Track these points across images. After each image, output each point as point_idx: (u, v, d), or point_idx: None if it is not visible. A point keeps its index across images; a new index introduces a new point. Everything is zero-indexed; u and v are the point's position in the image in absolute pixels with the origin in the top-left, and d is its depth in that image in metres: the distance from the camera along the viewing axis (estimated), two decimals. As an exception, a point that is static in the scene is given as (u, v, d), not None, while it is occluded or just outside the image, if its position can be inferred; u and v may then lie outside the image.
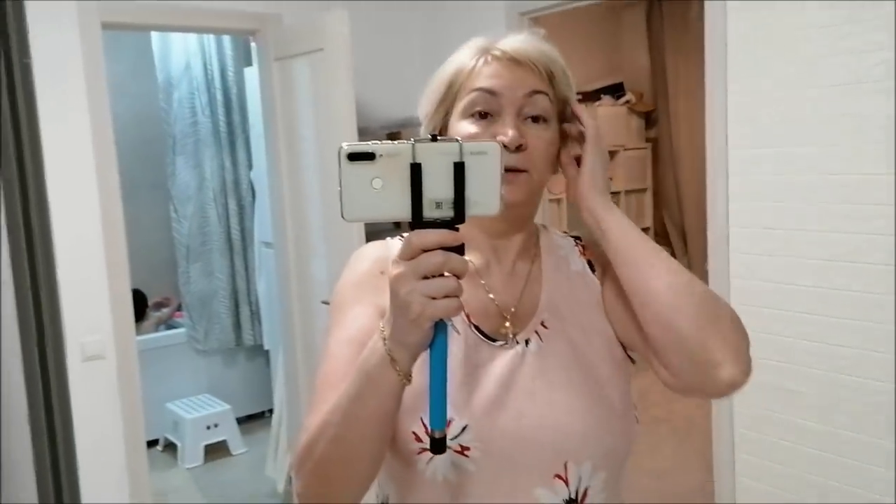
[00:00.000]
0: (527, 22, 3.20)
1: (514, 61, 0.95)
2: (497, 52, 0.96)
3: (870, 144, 2.12)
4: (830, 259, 2.23)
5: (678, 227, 5.96)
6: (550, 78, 0.97)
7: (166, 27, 3.80)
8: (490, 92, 0.94)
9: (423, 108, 1.01)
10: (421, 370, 0.81)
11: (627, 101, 5.79)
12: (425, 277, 0.75)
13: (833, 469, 2.26)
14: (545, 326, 0.98)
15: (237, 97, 4.45)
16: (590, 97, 5.37)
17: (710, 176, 2.53)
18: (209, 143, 4.38)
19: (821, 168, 2.23)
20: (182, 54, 4.31)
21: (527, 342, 0.97)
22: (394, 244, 1.04)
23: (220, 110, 4.40)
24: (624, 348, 1.02)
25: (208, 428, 4.15)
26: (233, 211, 4.47)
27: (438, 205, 0.75)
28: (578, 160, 0.97)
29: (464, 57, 0.98)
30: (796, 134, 2.28)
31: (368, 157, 0.74)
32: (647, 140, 5.95)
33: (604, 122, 5.59)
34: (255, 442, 4.28)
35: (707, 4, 2.45)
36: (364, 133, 3.15)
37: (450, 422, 0.89)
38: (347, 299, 0.99)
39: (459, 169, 0.74)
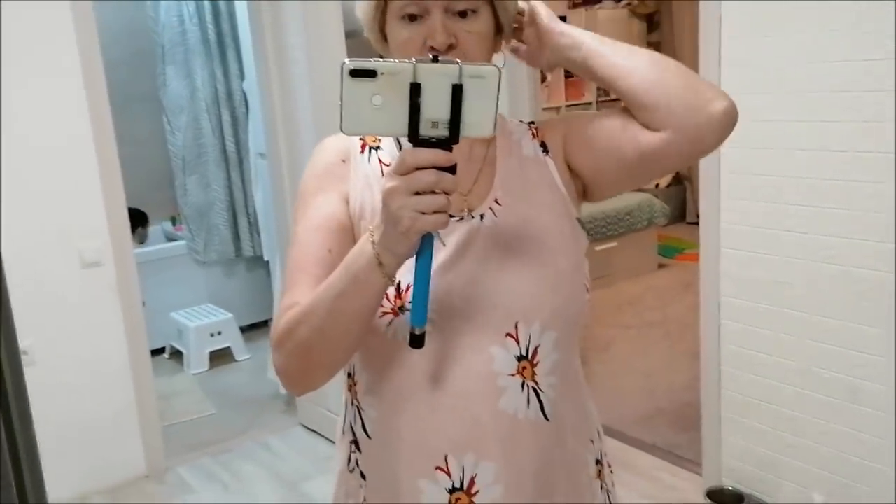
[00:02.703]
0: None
1: None
2: None
3: (870, 34, 2.06)
4: (822, 149, 2.21)
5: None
6: None
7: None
8: None
9: (362, 11, 1.01)
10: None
11: (629, 4, 5.65)
12: (417, 193, 0.79)
13: (815, 355, 2.30)
14: (498, 203, 1.03)
15: (225, 5, 4.35)
16: (590, 0, 5.24)
17: (702, 69, 2.51)
18: (199, 52, 4.31)
19: (817, 55, 2.18)
20: (168, -41, 4.20)
21: (482, 217, 1.02)
22: None
23: (209, 17, 4.31)
24: (583, 228, 1.08)
25: (212, 336, 4.25)
26: (226, 122, 4.44)
27: (435, 124, 0.79)
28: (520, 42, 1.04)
29: None
30: (794, 18, 2.23)
31: (370, 74, 0.77)
32: (649, 45, 5.83)
33: (604, 25, 5.46)
34: (258, 349, 4.39)
35: None
36: (351, 36, 3.09)
37: (408, 287, 0.93)
38: (312, 189, 1.05)
39: (457, 91, 0.77)
